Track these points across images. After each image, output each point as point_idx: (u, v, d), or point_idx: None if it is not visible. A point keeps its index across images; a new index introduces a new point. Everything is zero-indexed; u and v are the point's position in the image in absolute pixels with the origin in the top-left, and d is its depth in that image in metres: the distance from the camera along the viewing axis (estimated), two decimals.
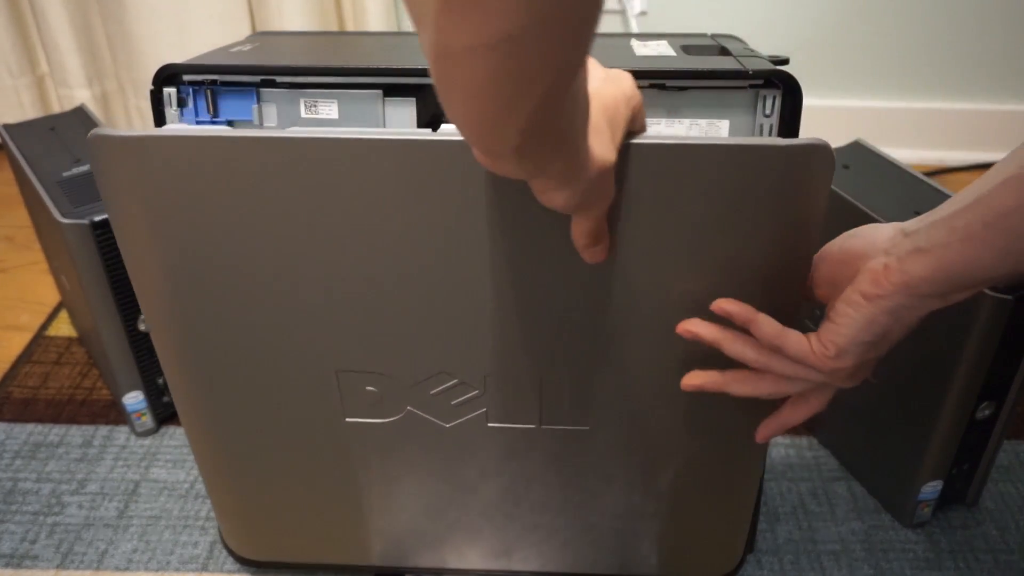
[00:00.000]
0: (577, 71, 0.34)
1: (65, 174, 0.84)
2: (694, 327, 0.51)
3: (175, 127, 0.51)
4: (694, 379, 0.54)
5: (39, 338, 1.08)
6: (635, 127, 0.47)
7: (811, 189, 0.48)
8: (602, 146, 0.43)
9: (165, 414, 0.93)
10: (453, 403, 0.59)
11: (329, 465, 0.65)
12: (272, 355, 0.57)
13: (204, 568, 0.77)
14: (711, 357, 0.54)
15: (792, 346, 0.50)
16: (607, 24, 1.50)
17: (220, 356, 0.58)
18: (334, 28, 1.46)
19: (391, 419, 0.61)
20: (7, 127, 0.94)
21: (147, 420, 0.91)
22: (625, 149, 0.46)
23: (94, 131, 0.48)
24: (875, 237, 0.50)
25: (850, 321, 0.48)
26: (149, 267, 0.54)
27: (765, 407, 0.57)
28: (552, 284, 0.52)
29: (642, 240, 0.50)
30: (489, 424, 0.61)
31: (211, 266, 0.53)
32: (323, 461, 0.64)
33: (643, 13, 1.47)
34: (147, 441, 0.92)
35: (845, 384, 0.52)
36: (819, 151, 0.47)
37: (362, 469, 0.65)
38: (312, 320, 0.55)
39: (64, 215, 0.78)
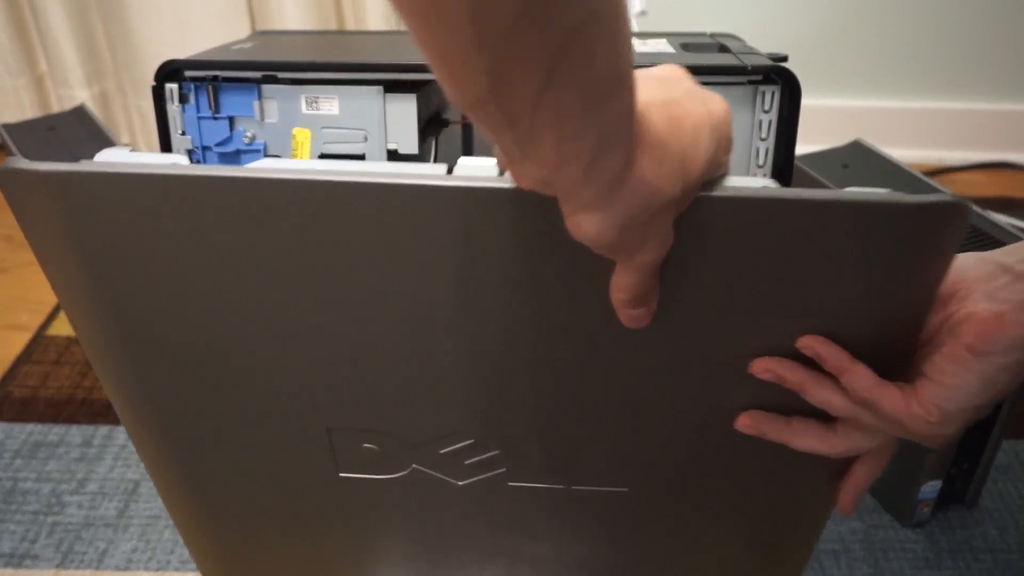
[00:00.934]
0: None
1: None
2: (776, 367, 0.43)
3: (111, 155, 0.42)
4: (754, 419, 0.45)
5: (39, 338, 1.08)
6: (717, 166, 0.38)
7: (938, 252, 0.39)
8: (659, 169, 0.33)
9: None
10: (467, 462, 0.50)
11: (321, 520, 0.56)
12: (249, 410, 0.48)
13: None
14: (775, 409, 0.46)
15: (888, 404, 0.41)
16: None
17: (185, 411, 0.49)
18: (334, 28, 1.46)
19: (393, 476, 0.52)
20: (7, 127, 0.94)
21: None
22: (701, 202, 0.37)
23: (6, 164, 0.39)
24: (964, 274, 0.42)
25: (960, 383, 0.40)
26: (88, 314, 0.46)
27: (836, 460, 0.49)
28: (587, 339, 0.43)
29: (712, 303, 0.41)
30: (509, 483, 0.51)
31: (165, 317, 0.44)
32: (314, 516, 0.56)
33: (643, 13, 1.47)
34: None
35: (932, 445, 0.44)
36: (955, 210, 0.37)
37: (360, 527, 0.56)
38: (295, 374, 0.46)
39: None
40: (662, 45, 0.66)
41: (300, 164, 0.43)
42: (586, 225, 0.33)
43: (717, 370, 0.44)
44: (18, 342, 1.08)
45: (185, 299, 0.43)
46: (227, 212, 0.39)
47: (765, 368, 0.43)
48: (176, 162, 0.40)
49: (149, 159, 0.41)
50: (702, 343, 0.43)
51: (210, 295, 0.43)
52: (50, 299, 1.16)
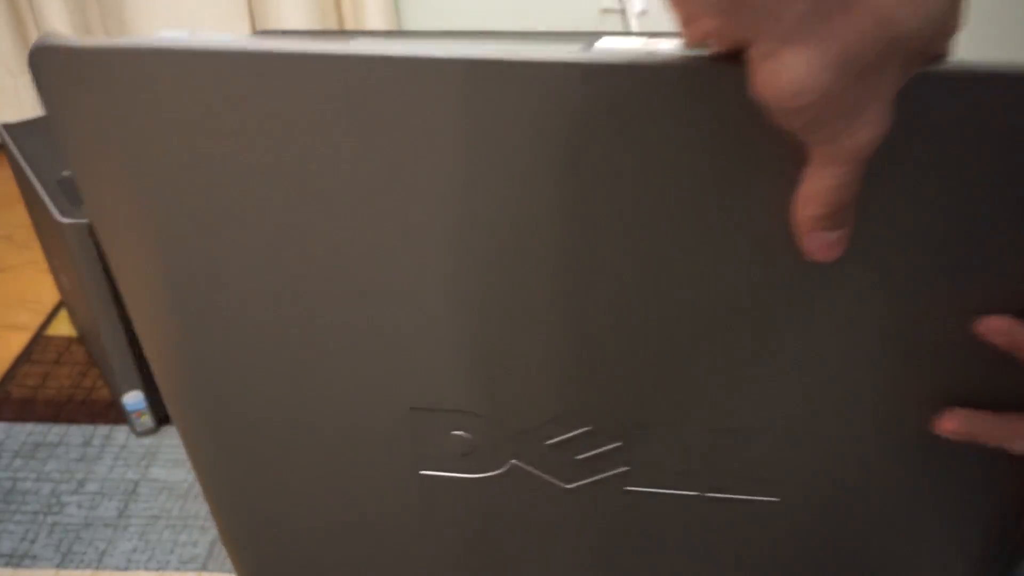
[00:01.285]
0: None
1: (65, 173, 0.84)
2: (1015, 329, 0.31)
3: (169, 34, 0.34)
4: (961, 420, 0.34)
5: (38, 337, 1.08)
6: (952, 28, 0.25)
7: None
8: None
9: (164, 413, 0.93)
10: (579, 457, 0.41)
11: (389, 528, 0.46)
12: (312, 376, 0.39)
13: (204, 568, 0.77)
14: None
15: None
16: (607, 24, 1.50)
17: (237, 373, 0.40)
18: (334, 28, 1.46)
19: (486, 475, 0.42)
20: (7, 127, 0.94)
21: (147, 419, 0.91)
22: (928, 80, 0.26)
23: (41, 40, 0.31)
24: None
25: None
26: (137, 253, 0.37)
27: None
28: (751, 287, 0.33)
29: (929, 233, 0.30)
30: (626, 488, 0.42)
31: (222, 251, 0.35)
32: (380, 523, 0.45)
33: (643, 12, 1.47)
34: (147, 440, 0.92)
35: None
36: None
37: (437, 540, 0.46)
38: (373, 334, 0.37)
39: (64, 215, 0.78)
40: (671, 46, 0.65)
41: (410, 44, 0.34)
42: (789, 68, 0.23)
43: (923, 334, 0.33)
44: (18, 342, 1.08)
45: (249, 216, 0.34)
46: (308, 103, 0.31)
47: (998, 328, 0.31)
48: (241, 40, 0.32)
49: (218, 38, 0.33)
50: (908, 293, 0.32)
51: (277, 210, 0.34)
52: (50, 299, 1.16)
